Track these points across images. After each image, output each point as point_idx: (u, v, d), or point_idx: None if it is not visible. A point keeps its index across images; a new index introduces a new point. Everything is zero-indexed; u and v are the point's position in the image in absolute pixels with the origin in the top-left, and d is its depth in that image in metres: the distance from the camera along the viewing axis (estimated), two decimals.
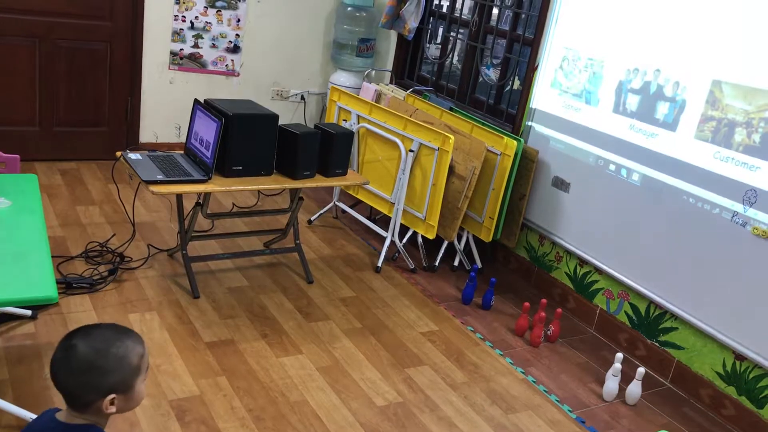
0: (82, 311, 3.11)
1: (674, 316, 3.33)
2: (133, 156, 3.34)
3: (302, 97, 5.52)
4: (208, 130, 3.26)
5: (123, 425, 2.47)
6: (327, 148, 3.50)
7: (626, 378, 3.20)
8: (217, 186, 3.20)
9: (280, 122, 3.35)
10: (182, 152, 3.47)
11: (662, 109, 3.30)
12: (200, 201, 3.45)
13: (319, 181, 3.50)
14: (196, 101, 3.44)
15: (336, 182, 3.56)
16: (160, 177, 3.11)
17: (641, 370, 3.09)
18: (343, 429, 2.65)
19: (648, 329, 3.47)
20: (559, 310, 3.54)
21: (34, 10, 4.43)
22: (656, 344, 3.43)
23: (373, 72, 5.53)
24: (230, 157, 3.27)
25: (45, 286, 2.08)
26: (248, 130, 3.27)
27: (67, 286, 3.25)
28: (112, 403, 1.53)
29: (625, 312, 3.58)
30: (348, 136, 3.57)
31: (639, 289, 3.45)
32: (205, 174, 3.21)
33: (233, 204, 4.51)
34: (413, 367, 3.13)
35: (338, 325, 3.35)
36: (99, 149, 4.89)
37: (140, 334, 1.61)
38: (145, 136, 5.06)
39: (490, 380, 3.13)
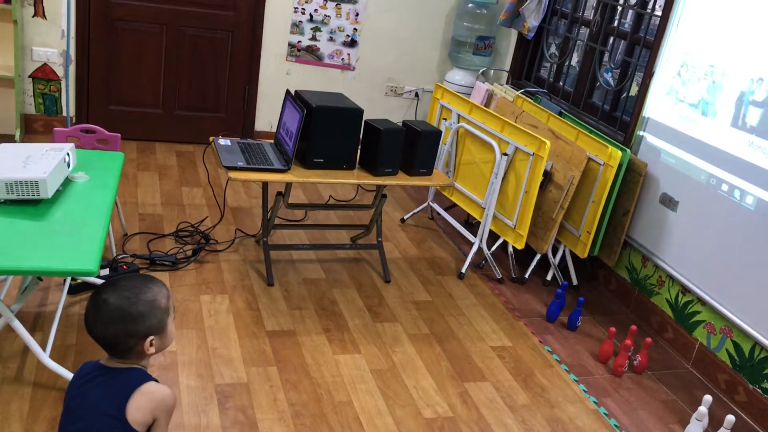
0: None
1: None
2: (223, 142, 3.43)
3: (416, 95, 5.44)
4: (293, 120, 3.27)
5: None
6: (412, 146, 3.40)
7: (717, 424, 2.85)
8: (294, 177, 3.20)
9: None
10: (272, 142, 3.52)
11: None
12: (282, 191, 3.48)
13: (401, 180, 3.41)
14: (287, 92, 3.47)
15: (419, 181, 3.45)
16: (240, 164, 3.17)
17: (730, 417, 2.73)
18: None
19: (751, 373, 3.07)
20: (649, 339, 3.21)
21: None
22: (759, 391, 3.03)
23: (492, 71, 5.35)
24: (312, 149, 3.27)
25: (88, 261, 2.15)
26: (331, 123, 3.25)
27: (151, 262, 3.39)
28: (151, 344, 1.71)
29: (727, 350, 3.19)
30: (435, 134, 3.45)
31: (743, 327, 3.06)
32: (286, 164, 3.23)
33: (330, 196, 4.52)
34: (473, 381, 2.96)
35: (405, 329, 3.25)
36: (216, 134, 5.07)
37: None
38: (261, 124, 5.21)
39: (555, 406, 2.90)
